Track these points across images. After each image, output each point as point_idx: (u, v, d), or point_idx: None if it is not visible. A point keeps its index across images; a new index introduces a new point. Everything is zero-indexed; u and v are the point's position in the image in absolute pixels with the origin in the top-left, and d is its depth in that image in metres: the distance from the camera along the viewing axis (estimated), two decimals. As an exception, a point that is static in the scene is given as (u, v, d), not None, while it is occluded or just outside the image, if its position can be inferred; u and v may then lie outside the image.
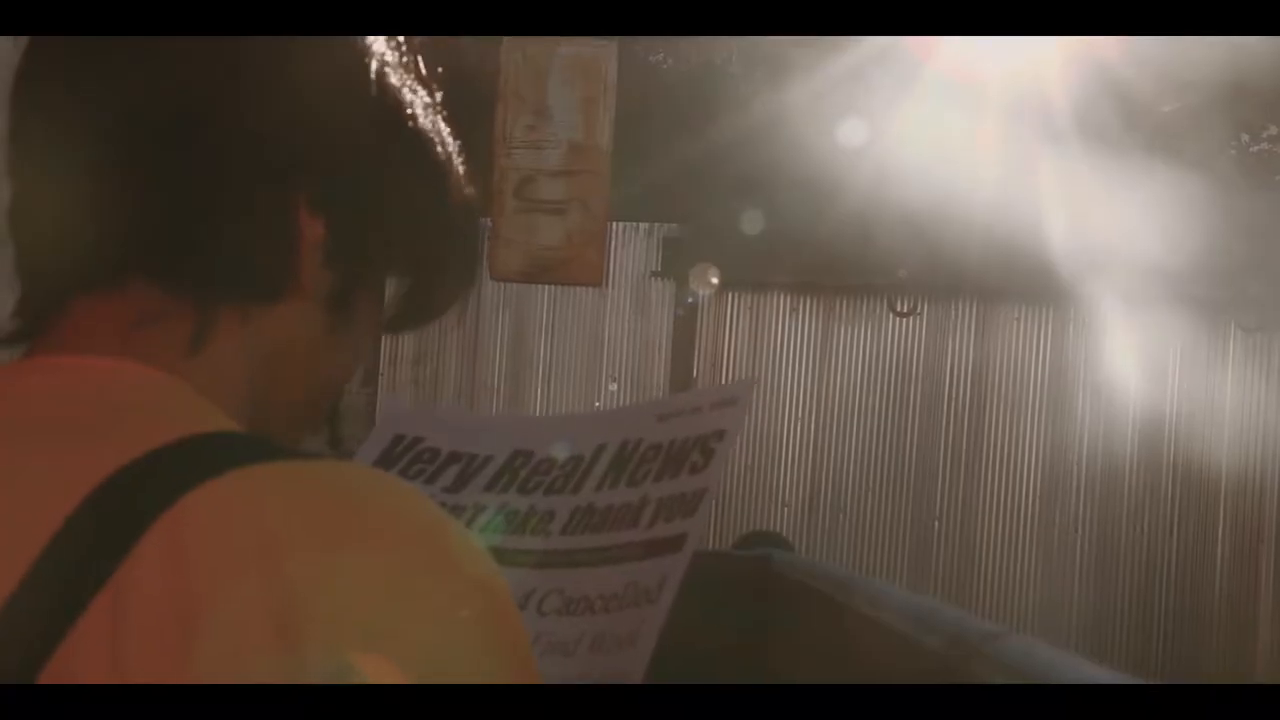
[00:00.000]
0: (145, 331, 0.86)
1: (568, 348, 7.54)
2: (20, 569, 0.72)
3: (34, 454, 0.79)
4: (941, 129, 6.34)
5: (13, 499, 0.77)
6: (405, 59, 0.98)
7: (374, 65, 0.96)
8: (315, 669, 0.69)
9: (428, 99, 0.99)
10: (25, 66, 0.92)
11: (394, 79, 0.97)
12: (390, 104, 0.96)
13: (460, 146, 1.02)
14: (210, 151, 0.88)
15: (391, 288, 1.01)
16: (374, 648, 0.70)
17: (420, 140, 0.98)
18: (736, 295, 7.44)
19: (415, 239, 0.99)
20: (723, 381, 7.45)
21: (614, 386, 7.45)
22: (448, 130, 1.01)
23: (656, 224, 7.46)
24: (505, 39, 5.86)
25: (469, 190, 1.03)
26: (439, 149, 1.00)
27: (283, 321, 0.91)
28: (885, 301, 7.34)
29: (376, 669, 0.69)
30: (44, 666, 0.69)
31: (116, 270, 0.87)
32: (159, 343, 0.87)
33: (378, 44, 0.97)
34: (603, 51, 5.96)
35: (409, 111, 0.97)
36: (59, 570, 0.72)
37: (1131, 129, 6.71)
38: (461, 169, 1.03)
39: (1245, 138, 7.00)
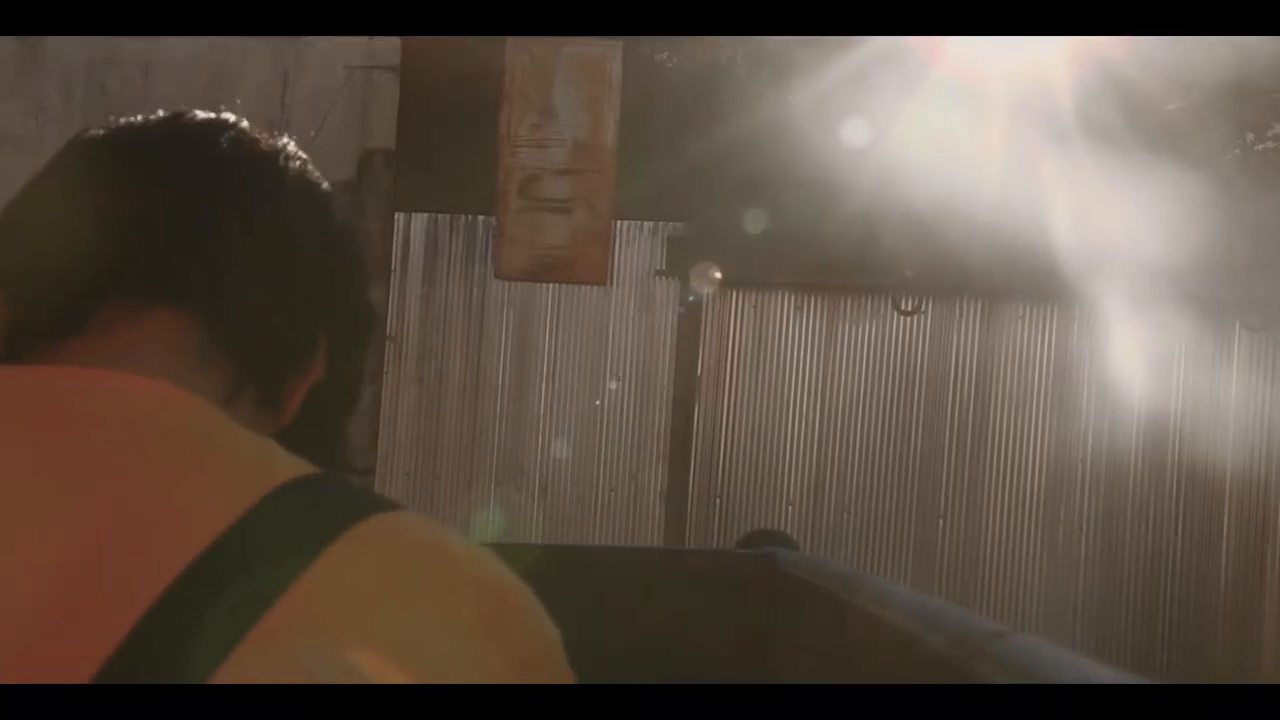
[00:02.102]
0: (198, 367, 0.96)
1: (572, 346, 7.55)
2: (155, 586, 0.77)
3: (156, 469, 0.86)
4: (946, 129, 6.33)
5: (136, 514, 0.82)
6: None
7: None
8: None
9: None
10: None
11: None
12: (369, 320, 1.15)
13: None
14: (297, 267, 1.03)
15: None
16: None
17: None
18: (741, 294, 7.44)
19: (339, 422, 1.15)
20: (726, 380, 7.45)
21: (615, 385, 7.45)
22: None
23: (661, 223, 7.46)
24: (510, 39, 5.87)
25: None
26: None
27: (260, 431, 0.99)
28: (890, 300, 7.34)
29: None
30: (218, 667, 0.74)
31: (191, 301, 0.97)
32: (205, 383, 0.95)
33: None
34: (608, 51, 5.96)
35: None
36: (208, 593, 0.77)
37: (1136, 128, 6.70)
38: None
39: (1250, 137, 6.99)
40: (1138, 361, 6.89)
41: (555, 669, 0.86)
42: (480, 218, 7.43)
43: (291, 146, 1.10)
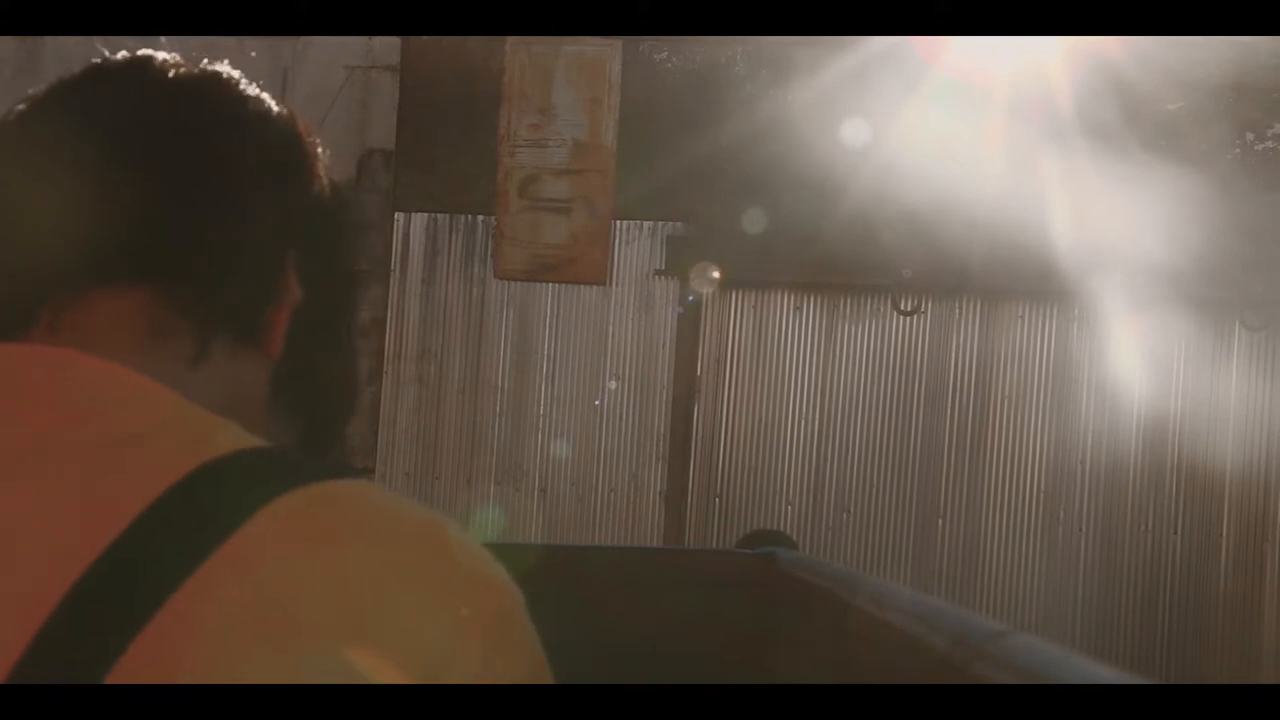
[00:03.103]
0: (155, 342, 0.92)
1: (572, 345, 7.55)
2: (80, 565, 0.74)
3: (78, 452, 0.82)
4: (945, 128, 6.34)
5: (66, 493, 0.79)
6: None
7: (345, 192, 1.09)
8: (384, 677, 0.74)
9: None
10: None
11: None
12: (351, 234, 1.12)
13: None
14: (241, 195, 0.97)
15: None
16: (437, 661, 0.76)
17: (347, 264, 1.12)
18: (740, 294, 7.44)
19: (339, 352, 1.10)
20: (726, 380, 7.45)
21: (614, 384, 7.45)
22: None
23: (660, 222, 7.46)
24: (510, 39, 5.87)
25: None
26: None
27: (248, 369, 0.98)
28: (889, 300, 7.34)
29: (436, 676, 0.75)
30: (116, 663, 0.71)
31: (134, 276, 0.92)
32: (167, 354, 0.92)
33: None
34: (607, 51, 5.97)
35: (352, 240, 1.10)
36: (124, 572, 0.74)
37: (1135, 128, 6.71)
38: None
39: (1250, 136, 6.99)
40: (1137, 361, 6.89)
41: (516, 637, 0.82)
42: (480, 218, 7.43)
43: (218, 69, 1.04)
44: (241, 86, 1.04)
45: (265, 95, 1.06)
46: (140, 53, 1.02)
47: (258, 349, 0.98)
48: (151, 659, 0.71)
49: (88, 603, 0.72)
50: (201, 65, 1.03)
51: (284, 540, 0.76)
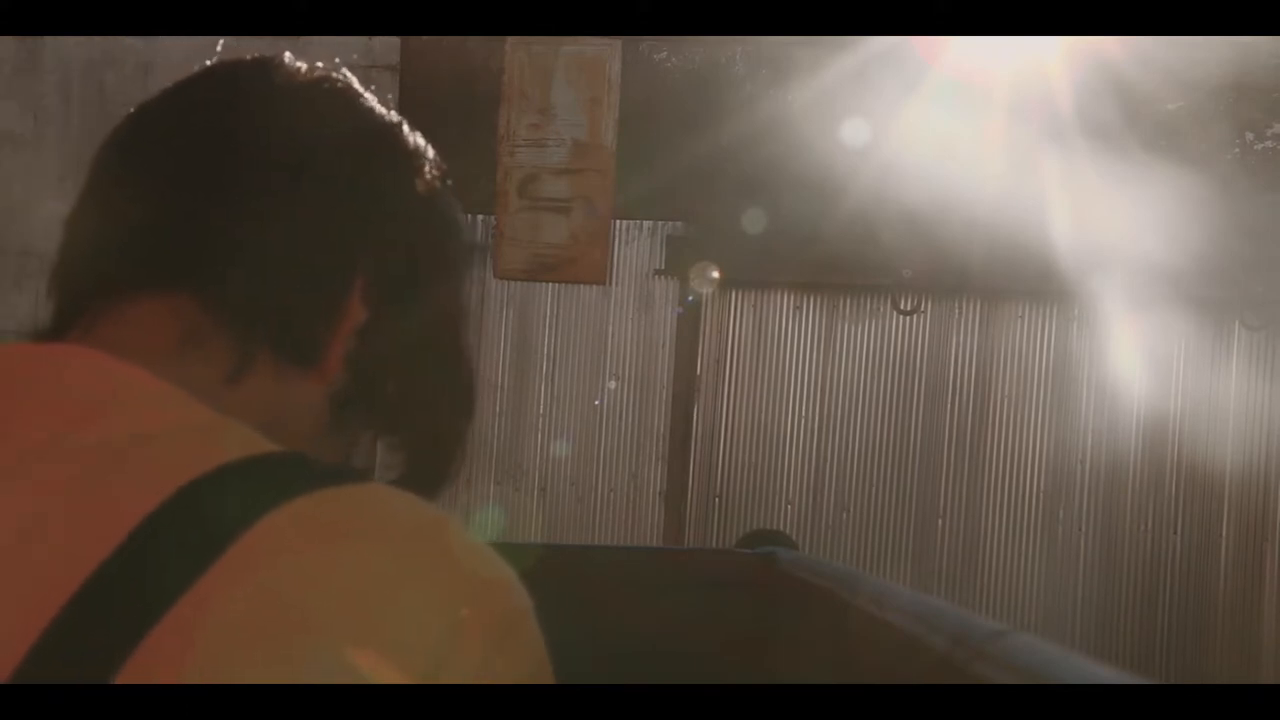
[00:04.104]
0: (190, 351, 0.90)
1: (571, 345, 7.55)
2: (87, 566, 0.73)
3: (96, 454, 0.81)
4: (945, 128, 6.34)
5: (74, 493, 0.78)
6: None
7: (454, 215, 1.05)
8: (385, 677, 0.73)
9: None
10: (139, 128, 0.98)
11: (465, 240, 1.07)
12: (456, 259, 1.05)
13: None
14: (297, 204, 0.94)
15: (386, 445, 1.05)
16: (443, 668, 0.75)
17: (461, 295, 1.08)
18: (740, 293, 7.44)
19: (428, 375, 1.06)
20: (726, 379, 7.45)
21: (614, 384, 7.45)
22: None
23: (661, 223, 7.46)
24: (510, 38, 5.86)
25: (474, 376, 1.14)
26: (467, 316, 1.09)
27: (298, 392, 0.95)
28: (889, 300, 7.34)
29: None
30: (123, 666, 0.70)
31: (169, 281, 0.91)
32: (202, 363, 0.91)
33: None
34: (607, 51, 5.96)
35: (464, 270, 1.07)
36: (133, 572, 0.73)
37: (1135, 128, 6.71)
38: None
39: (1249, 136, 6.99)
40: (1137, 361, 6.90)
41: (518, 639, 0.80)
42: (480, 217, 7.43)
43: (324, 76, 1.00)
44: (338, 98, 1.01)
45: (373, 107, 1.02)
46: (253, 56, 1.00)
47: (311, 368, 0.95)
48: (159, 660, 0.71)
49: (95, 603, 0.72)
50: (318, 72, 1.01)
51: (291, 542, 0.76)
